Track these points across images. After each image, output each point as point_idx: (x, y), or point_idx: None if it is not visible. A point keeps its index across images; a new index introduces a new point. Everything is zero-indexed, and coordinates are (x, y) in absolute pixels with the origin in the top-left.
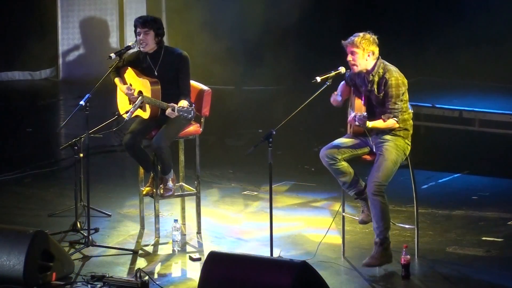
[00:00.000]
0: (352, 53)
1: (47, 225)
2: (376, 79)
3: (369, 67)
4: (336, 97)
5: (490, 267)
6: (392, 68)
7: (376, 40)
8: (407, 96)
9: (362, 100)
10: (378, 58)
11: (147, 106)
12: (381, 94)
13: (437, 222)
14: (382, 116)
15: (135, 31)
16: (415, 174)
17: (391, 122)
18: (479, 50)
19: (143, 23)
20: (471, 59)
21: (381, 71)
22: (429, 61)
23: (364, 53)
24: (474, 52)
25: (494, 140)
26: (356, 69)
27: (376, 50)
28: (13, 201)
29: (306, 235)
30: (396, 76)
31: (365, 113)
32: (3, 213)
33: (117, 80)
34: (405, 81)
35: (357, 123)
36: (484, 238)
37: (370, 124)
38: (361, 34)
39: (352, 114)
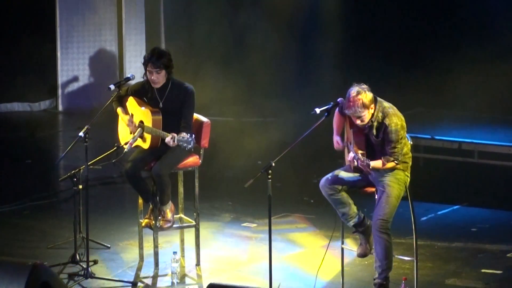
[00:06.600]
0: (361, 118)
1: (46, 257)
2: (375, 124)
3: None
4: (338, 142)
5: None
6: (390, 110)
7: (368, 89)
8: (405, 131)
9: (360, 138)
10: (375, 103)
11: (148, 136)
12: (380, 139)
13: (436, 254)
14: (382, 158)
15: (144, 66)
16: (414, 206)
17: (391, 164)
18: (479, 82)
19: (154, 62)
20: (471, 91)
21: (380, 115)
22: (428, 92)
23: (370, 110)
24: (474, 83)
25: (493, 172)
26: (365, 123)
27: (373, 98)
28: (12, 233)
29: (305, 267)
30: (395, 122)
31: (368, 161)
32: (1, 245)
33: (119, 110)
34: (403, 121)
35: (359, 166)
36: (483, 271)
37: (370, 165)
38: (356, 99)
39: (352, 155)
